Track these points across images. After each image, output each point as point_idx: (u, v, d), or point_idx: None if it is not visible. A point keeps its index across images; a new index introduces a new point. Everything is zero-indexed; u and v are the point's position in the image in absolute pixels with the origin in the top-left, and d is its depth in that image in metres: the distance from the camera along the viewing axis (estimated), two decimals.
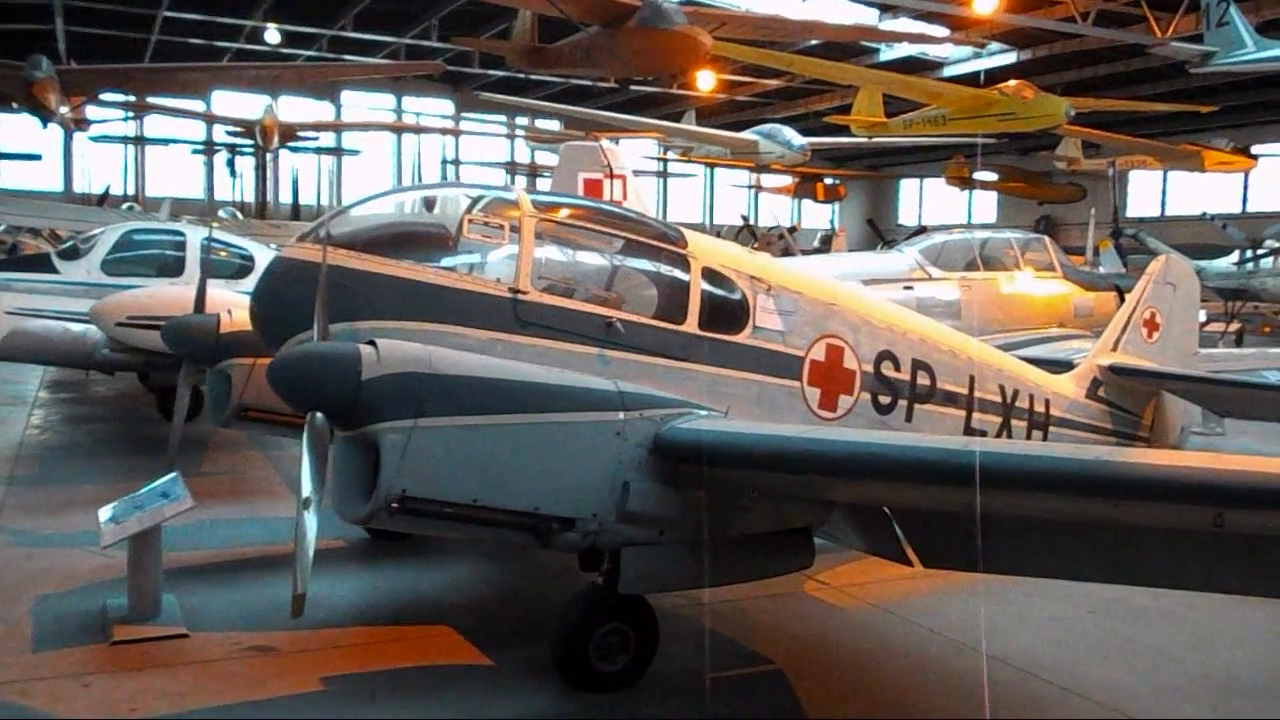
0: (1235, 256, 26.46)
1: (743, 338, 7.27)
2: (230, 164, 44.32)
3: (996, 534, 5.74)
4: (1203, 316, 18.77)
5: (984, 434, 8.90)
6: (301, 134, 41.52)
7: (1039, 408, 9.42)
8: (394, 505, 5.02)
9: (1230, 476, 4.00)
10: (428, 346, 5.32)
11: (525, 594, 7.73)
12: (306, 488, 4.83)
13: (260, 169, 43.09)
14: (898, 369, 8.18)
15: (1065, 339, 14.67)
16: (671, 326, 6.93)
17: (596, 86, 41.21)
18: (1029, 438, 9.32)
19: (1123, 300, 16.18)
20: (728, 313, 7.28)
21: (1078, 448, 5.73)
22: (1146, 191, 48.99)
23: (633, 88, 40.77)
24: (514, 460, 5.25)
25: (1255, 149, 37.40)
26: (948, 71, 36.30)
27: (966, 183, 50.42)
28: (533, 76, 40.77)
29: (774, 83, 40.64)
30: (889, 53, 35.88)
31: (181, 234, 14.69)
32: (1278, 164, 39.90)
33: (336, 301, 5.87)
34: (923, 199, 61.05)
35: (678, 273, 7.15)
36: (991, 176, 50.42)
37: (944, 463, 4.94)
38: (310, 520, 4.77)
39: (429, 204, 7.09)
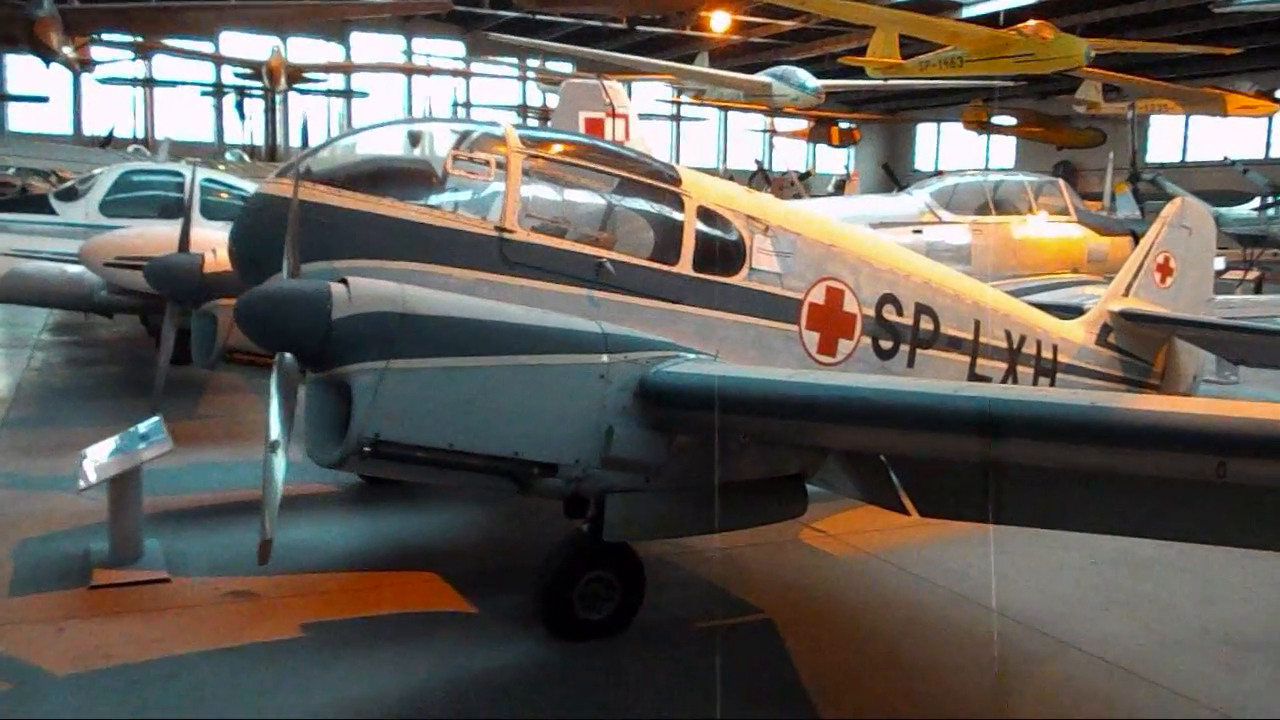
0: (1256, 203, 25.90)
1: (738, 279, 7.06)
2: (239, 106, 43.93)
3: (995, 483, 5.56)
4: (1220, 264, 18.42)
5: (989, 380, 8.70)
6: (310, 76, 41.08)
7: (1046, 354, 9.20)
8: (366, 449, 4.85)
9: (1232, 424, 3.77)
10: (401, 285, 5.12)
11: (513, 541, 7.60)
12: (274, 430, 4.66)
13: (269, 111, 42.65)
14: (900, 313, 7.96)
15: (1078, 285, 14.38)
16: (664, 268, 6.72)
17: (608, 28, 40.64)
18: (1035, 384, 9.11)
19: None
20: (723, 253, 7.06)
21: (1072, 393, 5.52)
22: (1167, 136, 48.15)
23: (645, 29, 40.25)
24: (491, 404, 5.06)
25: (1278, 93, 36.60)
26: (966, 13, 35.51)
27: (985, 127, 49.60)
28: (544, 18, 40.27)
29: (789, 24, 39.86)
30: None
31: (181, 175, 14.49)
32: None
33: (314, 239, 5.69)
34: (939, 144, 60.16)
35: (671, 212, 6.92)
36: (1010, 121, 49.58)
37: (938, 408, 4.73)
38: (278, 464, 4.60)
39: (414, 140, 6.85)
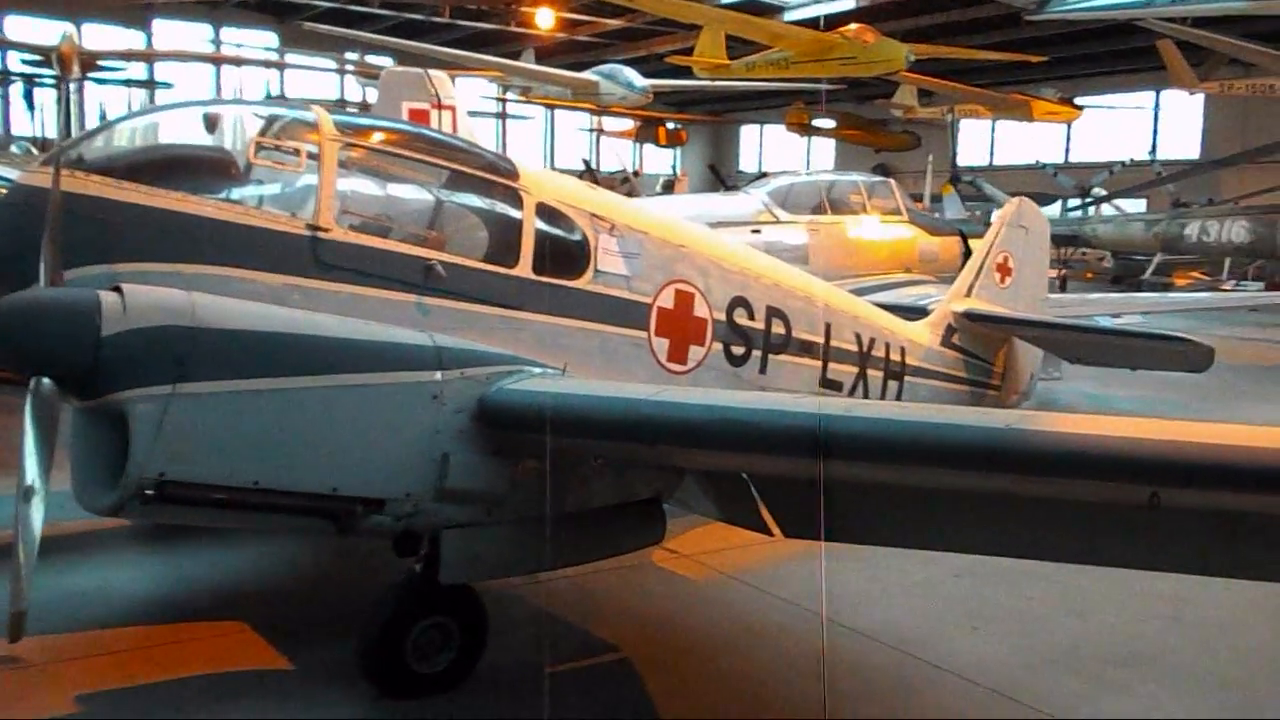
0: (1058, 206, 27.07)
1: (583, 283, 6.47)
2: (27, 96, 40.61)
3: (868, 501, 5.15)
4: None
5: (840, 385, 8.40)
6: (107, 64, 38.27)
7: (895, 356, 8.96)
8: (148, 492, 4.04)
9: (1167, 449, 3.40)
10: (190, 293, 4.31)
11: (335, 580, 6.78)
12: (29, 473, 3.80)
13: (62, 102, 39.53)
14: (751, 317, 7.54)
15: (911, 284, 14.42)
16: (502, 270, 6.07)
17: (430, 21, 39.40)
18: (884, 388, 8.87)
19: (967, 246, 16.11)
20: (566, 255, 6.46)
21: (985, 412, 5.10)
22: (974, 141, 50.13)
23: (468, 23, 39.23)
24: (305, 432, 4.32)
25: (1078, 100, 38.48)
26: (788, 16, 35.92)
27: (806, 129, 50.60)
28: (362, 10, 38.74)
29: (615, 22, 39.58)
30: None
31: None
32: (1099, 115, 41.18)
33: (87, 240, 4.82)
34: (763, 145, 61.23)
35: (508, 209, 6.27)
36: (830, 124, 50.72)
37: (829, 430, 4.24)
38: (34, 515, 3.75)
39: (210, 124, 5.95)
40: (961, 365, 9.80)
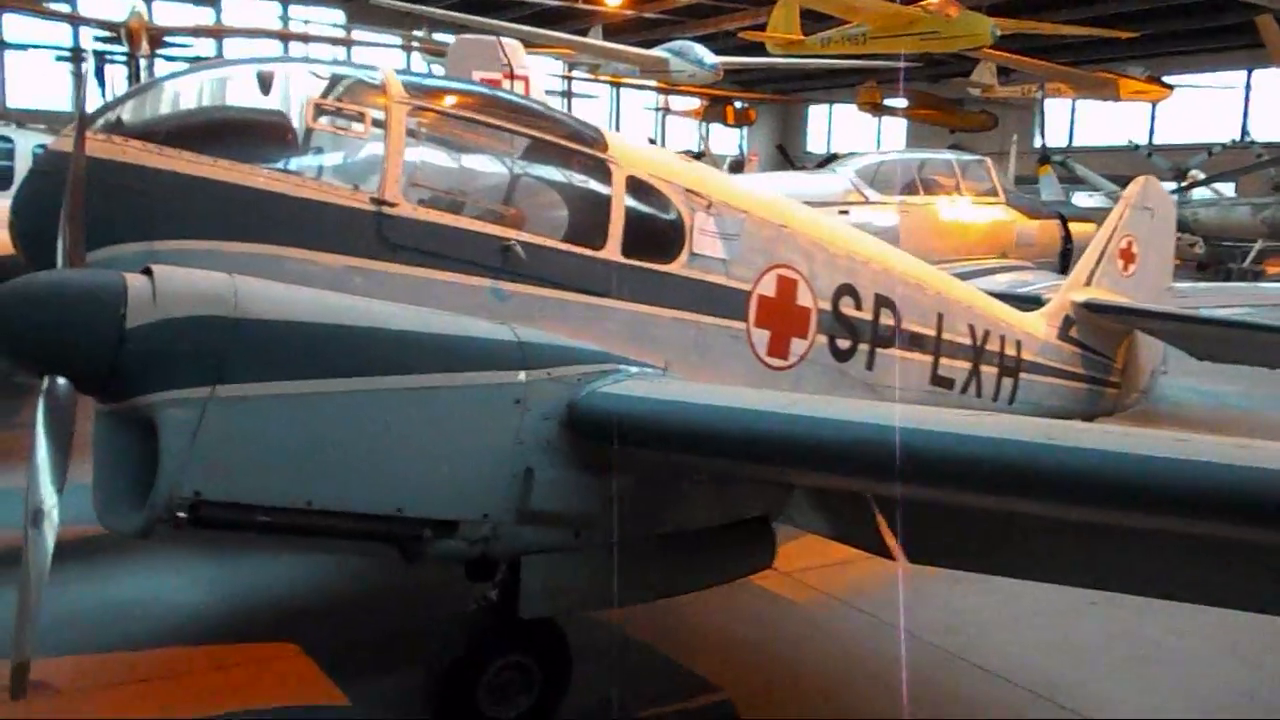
0: (1170, 186, 25.67)
1: (677, 267, 5.75)
2: (99, 73, 40.69)
3: (1012, 531, 4.40)
4: None
5: (951, 382, 7.60)
6: (177, 40, 38.18)
7: (1010, 350, 8.11)
8: (181, 515, 3.39)
9: None
10: (231, 276, 3.65)
11: (404, 596, 6.08)
12: (41, 491, 3.16)
13: (134, 79, 39.57)
14: (859, 306, 6.76)
15: (1008, 270, 13.48)
16: (588, 252, 5.36)
17: None
18: (999, 386, 8.03)
19: (1066, 230, 15.10)
20: (659, 235, 5.74)
21: (1131, 435, 4.32)
22: (1054, 120, 48.39)
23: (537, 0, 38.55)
24: (366, 443, 3.64)
25: (1166, 78, 36.80)
26: None
27: (879, 109, 49.24)
28: None
29: None
30: None
31: (10, 140, 12.63)
32: (1185, 95, 39.40)
33: (123, 213, 4.19)
34: (831, 125, 59.86)
35: (595, 183, 5.55)
36: (902, 103, 49.28)
37: (994, 457, 3.48)
38: (45, 541, 3.12)
39: (264, 83, 5.26)
40: (1079, 361, 8.91)
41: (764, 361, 6.22)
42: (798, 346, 6.40)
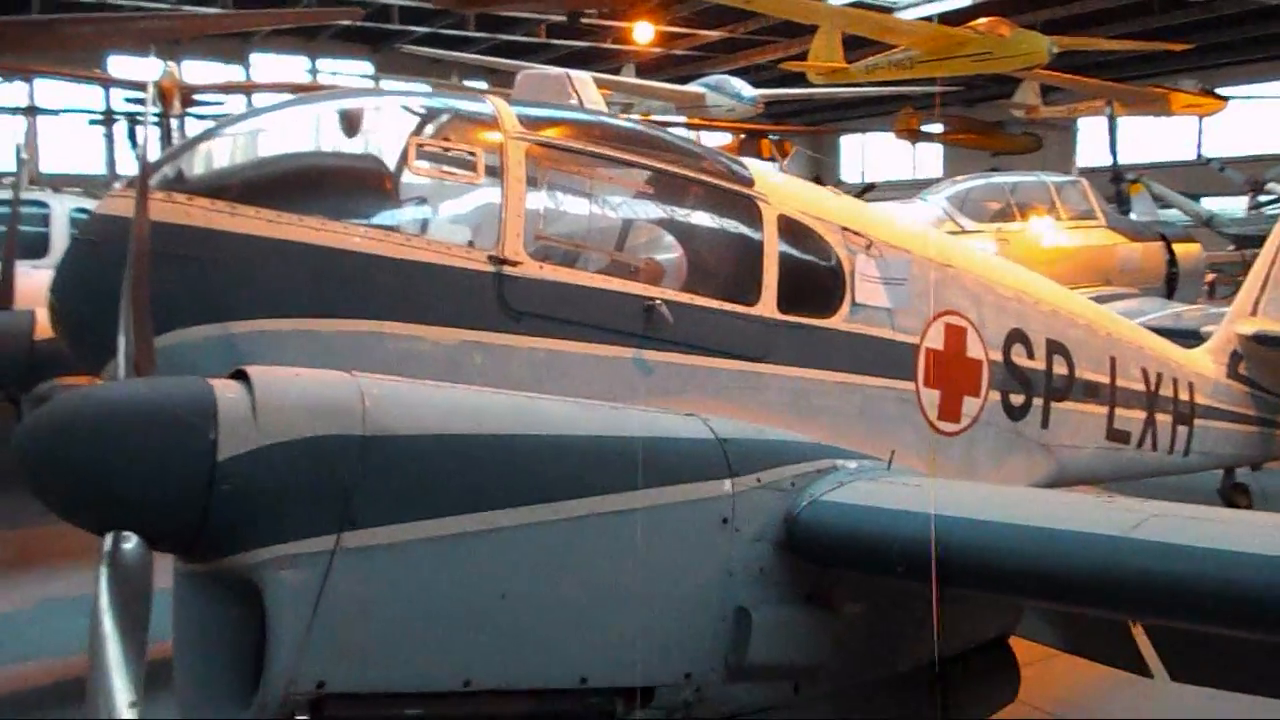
0: (1245, 200, 24.57)
1: (838, 321, 4.82)
2: (131, 134, 40.45)
3: None
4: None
5: (1128, 436, 6.59)
6: (207, 98, 37.92)
7: (1184, 395, 7.10)
8: (299, 715, 2.43)
9: None
10: (355, 376, 2.70)
11: None
12: (115, 699, 2.21)
13: (165, 138, 39.29)
14: (1031, 355, 5.80)
15: (1116, 298, 12.41)
16: (740, 308, 4.44)
17: (527, 42, 38.29)
18: (1174, 435, 7.02)
19: (1170, 251, 14.02)
20: (817, 284, 4.83)
21: None
22: (1092, 140, 47.19)
23: (566, 42, 37.99)
24: (541, 594, 2.68)
25: (1220, 90, 35.61)
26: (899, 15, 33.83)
27: (917, 135, 48.22)
28: (458, 33, 37.76)
29: (715, 34, 38.00)
30: None
31: (45, 205, 11.95)
32: (1237, 107, 38.17)
33: (190, 289, 3.31)
34: (865, 154, 59.00)
35: (745, 226, 4.63)
36: (938, 128, 48.28)
37: None
38: None
39: (350, 124, 4.36)
40: (1250, 401, 7.87)
41: (935, 426, 5.27)
42: (970, 406, 5.43)
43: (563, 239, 4.23)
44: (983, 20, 26.24)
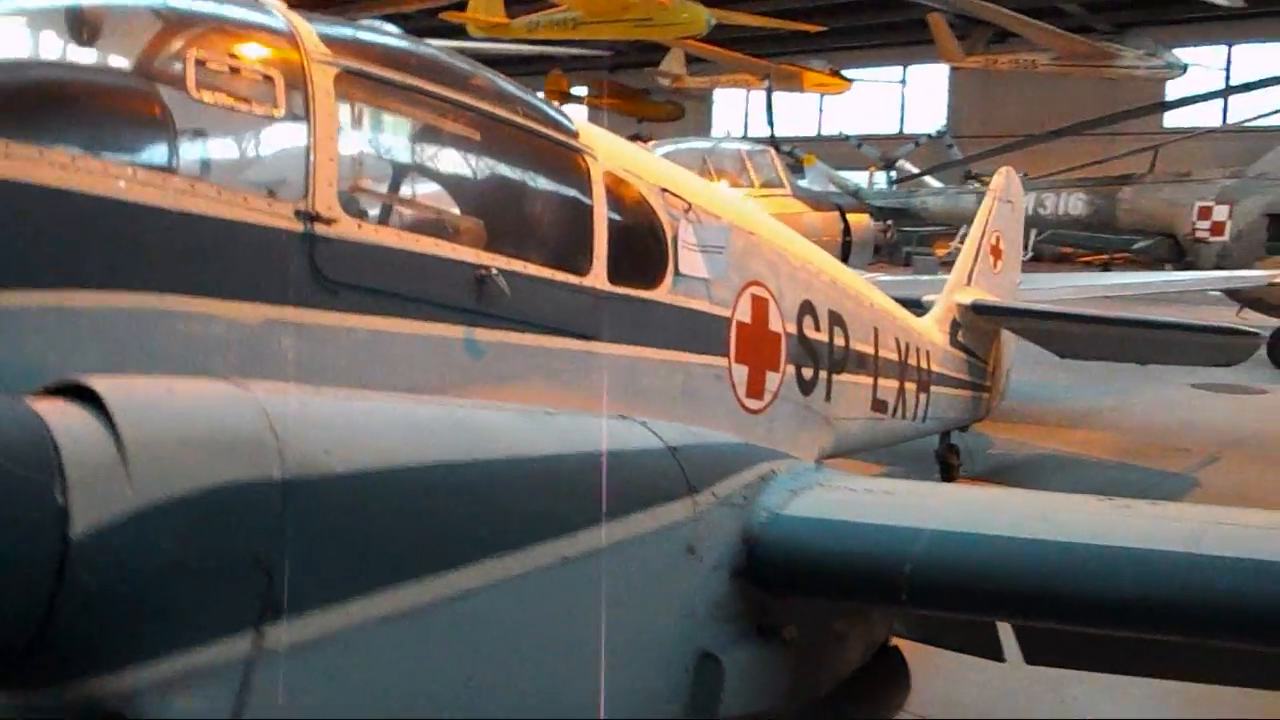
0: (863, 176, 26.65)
1: (663, 292, 4.37)
2: None
3: None
4: None
5: (886, 406, 6.65)
6: None
7: (924, 364, 7.31)
8: None
9: None
10: (242, 385, 1.85)
11: None
12: None
13: None
14: (817, 327, 5.64)
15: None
16: (573, 279, 3.87)
17: None
18: (917, 404, 7.20)
19: (845, 222, 14.74)
20: (643, 252, 4.34)
21: None
22: (729, 112, 49.84)
23: None
24: (503, 676, 1.99)
25: (845, 72, 38.57)
26: None
27: (565, 97, 48.55)
28: None
29: None
30: None
31: None
32: (866, 89, 41.48)
33: None
34: None
35: (573, 186, 4.03)
36: (583, 91, 48.97)
37: None
38: None
39: (95, 25, 3.22)
40: (966, 368, 8.27)
41: (744, 405, 4.97)
42: (772, 382, 5.19)
43: (380, 193, 3.44)
44: None
